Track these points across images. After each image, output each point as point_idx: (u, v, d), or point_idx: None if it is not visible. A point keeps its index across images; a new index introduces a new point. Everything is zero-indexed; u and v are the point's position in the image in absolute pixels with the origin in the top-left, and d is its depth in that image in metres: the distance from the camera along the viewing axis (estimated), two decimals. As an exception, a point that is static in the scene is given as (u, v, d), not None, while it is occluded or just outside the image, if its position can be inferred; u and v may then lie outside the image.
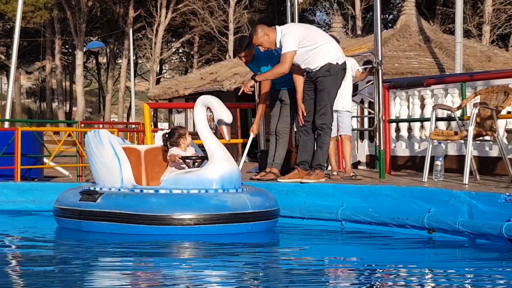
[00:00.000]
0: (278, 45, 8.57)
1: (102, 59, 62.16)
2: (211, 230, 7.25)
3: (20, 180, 11.27)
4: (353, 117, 10.01)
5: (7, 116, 16.47)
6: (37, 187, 10.08)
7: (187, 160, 8.05)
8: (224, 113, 7.74)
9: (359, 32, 36.04)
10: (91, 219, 7.57)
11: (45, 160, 13.68)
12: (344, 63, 8.80)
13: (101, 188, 7.79)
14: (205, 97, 8.04)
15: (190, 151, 8.33)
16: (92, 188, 7.87)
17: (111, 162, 7.80)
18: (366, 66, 9.88)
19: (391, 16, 45.19)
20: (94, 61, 62.63)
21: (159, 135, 8.71)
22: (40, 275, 5.38)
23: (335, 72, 8.70)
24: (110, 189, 7.74)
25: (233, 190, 7.59)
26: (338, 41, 9.76)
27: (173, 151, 8.08)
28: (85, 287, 4.96)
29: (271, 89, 9.62)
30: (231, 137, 8.11)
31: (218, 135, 8.19)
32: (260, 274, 5.67)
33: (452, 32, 24.46)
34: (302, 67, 8.81)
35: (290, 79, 9.49)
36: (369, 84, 10.26)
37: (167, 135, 8.16)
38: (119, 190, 7.71)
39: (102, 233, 7.45)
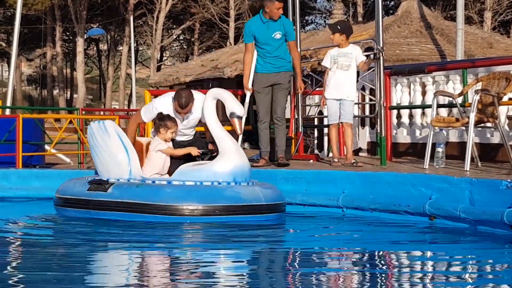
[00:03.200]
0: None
1: (103, 46, 62.10)
2: (224, 221, 7.23)
3: (21, 167, 11.28)
4: (354, 104, 10.00)
5: (8, 103, 16.47)
6: (39, 174, 10.08)
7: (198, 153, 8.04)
8: (236, 106, 7.75)
9: (360, 18, 35.95)
10: (101, 209, 7.54)
11: (47, 147, 13.68)
12: None
13: (108, 179, 7.76)
14: (216, 90, 8.03)
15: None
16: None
17: (118, 154, 7.73)
18: (368, 53, 9.87)
19: (392, 3, 45.09)
20: (95, 48, 62.58)
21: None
22: (44, 265, 5.39)
23: None
24: (118, 180, 7.70)
25: (244, 184, 7.61)
26: (351, 28, 9.76)
27: (157, 141, 7.96)
28: (94, 268, 4.99)
29: (258, 74, 9.73)
30: (230, 125, 8.10)
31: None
32: (262, 258, 5.71)
33: (453, 18, 24.39)
34: None
35: (289, 62, 9.60)
36: (370, 71, 10.25)
37: (160, 115, 8.03)
38: (128, 181, 7.70)
39: (111, 222, 7.41)
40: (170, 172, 7.82)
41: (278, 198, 7.74)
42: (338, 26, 9.70)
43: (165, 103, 8.26)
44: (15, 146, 11.58)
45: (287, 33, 9.67)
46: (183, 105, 8.09)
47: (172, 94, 8.31)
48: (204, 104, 7.90)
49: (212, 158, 7.88)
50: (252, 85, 9.87)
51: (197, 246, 6.31)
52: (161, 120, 7.96)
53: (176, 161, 7.89)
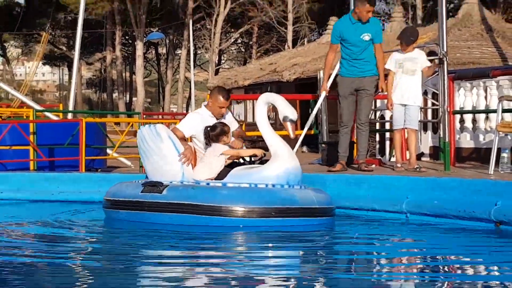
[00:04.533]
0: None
1: (162, 50, 62.65)
2: (280, 223, 7.28)
3: (84, 171, 11.43)
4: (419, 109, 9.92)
5: (71, 107, 16.69)
6: (102, 178, 10.20)
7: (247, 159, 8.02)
8: (289, 110, 7.73)
9: (419, 21, 35.65)
10: (156, 210, 7.59)
11: (108, 151, 13.85)
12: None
13: (161, 182, 7.77)
14: (269, 94, 8.03)
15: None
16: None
17: (171, 157, 7.77)
18: (431, 58, 9.80)
19: (451, 5, 44.64)
20: (154, 52, 63.16)
21: None
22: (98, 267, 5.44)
23: None
24: (171, 182, 7.74)
25: (297, 187, 7.62)
26: (418, 33, 9.69)
27: (219, 146, 7.87)
28: (141, 277, 5.02)
29: (343, 77, 9.71)
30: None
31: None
32: (320, 260, 5.73)
33: (515, 21, 24.06)
34: None
35: (375, 65, 9.57)
36: (434, 75, 10.16)
37: (209, 129, 7.99)
38: (181, 183, 7.73)
39: (164, 224, 7.46)
40: (219, 177, 7.82)
41: (330, 202, 7.75)
42: (411, 38, 9.56)
43: (199, 113, 8.30)
44: (78, 150, 11.74)
45: (375, 35, 9.63)
46: (227, 97, 8.21)
47: (198, 110, 8.47)
48: (255, 108, 7.91)
49: (262, 162, 7.89)
50: (337, 89, 9.89)
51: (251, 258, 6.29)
52: (216, 129, 7.90)
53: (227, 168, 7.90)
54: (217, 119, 8.17)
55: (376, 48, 9.68)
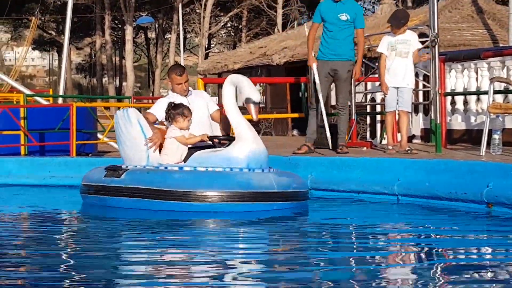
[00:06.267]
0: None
1: (151, 34, 62.47)
2: (234, 208, 7.15)
3: (75, 156, 11.39)
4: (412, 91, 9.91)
5: (61, 92, 16.62)
6: (94, 162, 10.15)
7: (214, 140, 7.93)
8: (253, 92, 7.60)
9: (409, 3, 35.60)
10: (115, 195, 7.64)
11: (99, 135, 13.82)
12: None
13: (127, 166, 7.81)
14: (235, 76, 7.90)
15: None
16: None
17: (138, 141, 7.76)
18: (423, 40, 9.78)
19: (441, -13, 44.64)
20: (143, 36, 62.99)
21: None
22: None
23: None
24: (135, 166, 7.76)
25: (258, 170, 7.47)
26: (409, 15, 9.65)
27: (172, 129, 7.85)
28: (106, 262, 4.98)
29: (318, 60, 9.72)
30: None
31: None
32: (295, 244, 5.71)
33: (505, 2, 24.04)
34: None
35: (352, 50, 9.56)
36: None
37: (172, 105, 7.92)
38: (144, 167, 7.73)
39: (126, 209, 7.50)
40: (185, 160, 7.78)
41: (295, 186, 7.56)
42: (402, 21, 9.49)
43: (168, 98, 8.24)
44: (68, 135, 11.71)
45: (355, 19, 9.66)
46: (180, 72, 8.14)
47: (167, 95, 8.42)
48: (222, 90, 7.84)
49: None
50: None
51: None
52: (177, 108, 7.86)
53: (194, 150, 7.82)
54: (186, 96, 8.15)
55: (358, 33, 9.75)
